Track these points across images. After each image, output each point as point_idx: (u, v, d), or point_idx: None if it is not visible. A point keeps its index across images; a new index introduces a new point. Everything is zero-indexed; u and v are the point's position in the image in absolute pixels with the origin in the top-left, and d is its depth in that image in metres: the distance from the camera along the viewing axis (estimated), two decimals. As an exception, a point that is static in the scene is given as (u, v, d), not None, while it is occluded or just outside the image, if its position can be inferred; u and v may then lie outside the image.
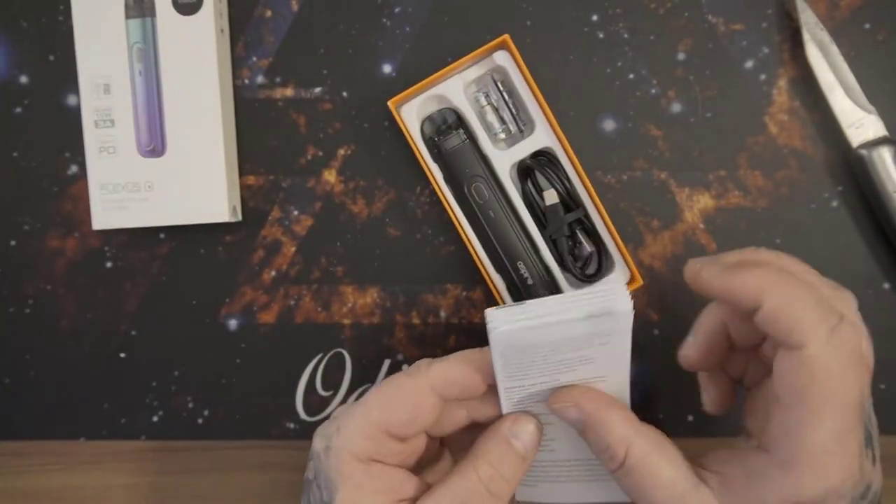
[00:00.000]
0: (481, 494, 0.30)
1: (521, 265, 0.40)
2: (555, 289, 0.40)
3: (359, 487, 0.29)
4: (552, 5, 0.43)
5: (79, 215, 0.44)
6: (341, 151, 0.44)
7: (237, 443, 0.44)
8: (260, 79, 0.44)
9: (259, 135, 0.44)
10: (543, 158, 0.41)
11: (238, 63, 0.44)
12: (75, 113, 0.43)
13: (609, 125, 0.43)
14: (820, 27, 0.40)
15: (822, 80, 0.41)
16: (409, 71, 0.43)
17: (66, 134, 0.44)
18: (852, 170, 0.41)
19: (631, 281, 0.40)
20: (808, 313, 0.28)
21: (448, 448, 0.35)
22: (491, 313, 0.28)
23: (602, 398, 0.30)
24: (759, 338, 0.32)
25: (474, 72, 0.41)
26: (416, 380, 0.31)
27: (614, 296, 0.27)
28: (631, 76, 0.43)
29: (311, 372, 0.44)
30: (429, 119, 0.41)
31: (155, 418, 0.44)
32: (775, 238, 0.42)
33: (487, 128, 0.41)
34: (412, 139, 0.41)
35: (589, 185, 0.40)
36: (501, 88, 0.41)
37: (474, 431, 0.33)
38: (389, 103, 0.40)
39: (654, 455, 0.29)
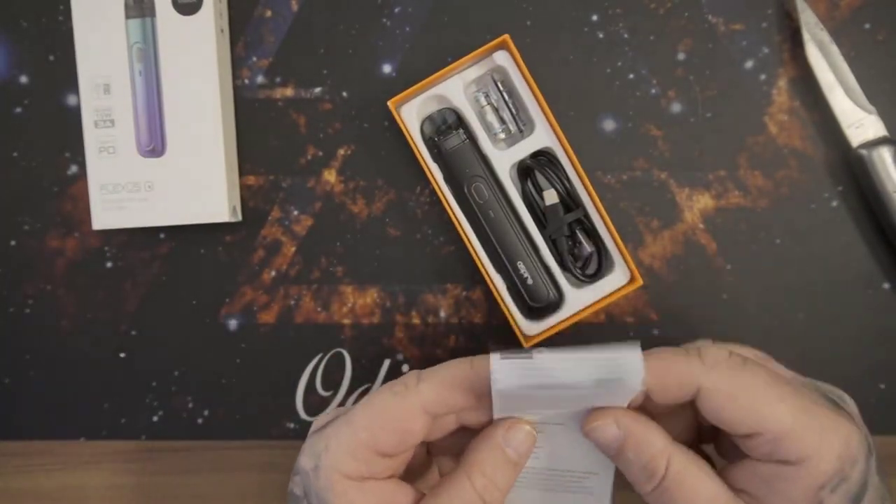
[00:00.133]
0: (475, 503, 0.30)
1: (521, 265, 0.40)
2: (555, 289, 0.40)
3: None
4: (552, 5, 0.43)
5: (79, 215, 0.44)
6: (341, 151, 0.44)
7: (237, 443, 0.44)
8: (260, 79, 0.44)
9: (259, 135, 0.44)
10: (543, 158, 0.41)
11: (238, 63, 0.44)
12: (75, 113, 0.43)
13: (609, 125, 0.43)
14: (820, 27, 0.40)
15: (822, 80, 0.41)
16: (409, 71, 0.43)
17: (66, 134, 0.44)
18: (852, 170, 0.41)
19: (632, 281, 0.40)
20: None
21: (430, 451, 0.35)
22: (497, 364, 0.27)
23: (638, 415, 0.30)
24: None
25: (474, 72, 0.41)
26: (406, 400, 0.30)
27: (629, 367, 0.27)
28: (631, 76, 0.43)
29: (311, 372, 0.44)
30: (429, 119, 0.41)
31: (155, 418, 0.44)
32: (775, 238, 0.42)
33: (487, 128, 0.41)
34: (412, 139, 0.41)
35: (589, 185, 0.40)
36: (501, 88, 0.41)
37: (460, 434, 0.32)
38: (389, 103, 0.40)
39: (693, 468, 0.29)
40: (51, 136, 0.44)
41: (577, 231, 0.41)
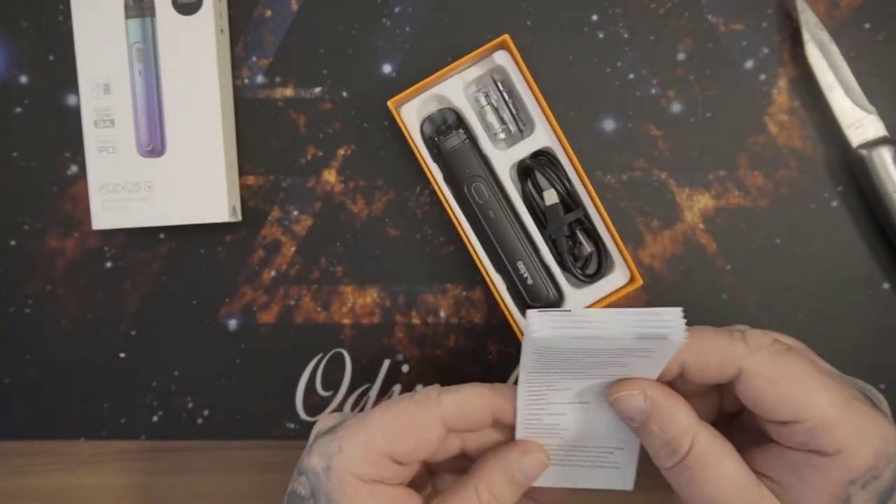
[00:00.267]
0: None
1: (521, 265, 0.40)
2: (555, 289, 0.40)
3: None
4: (552, 5, 0.43)
5: (79, 215, 0.44)
6: (341, 151, 0.44)
7: (237, 443, 0.44)
8: (260, 79, 0.44)
9: (259, 135, 0.44)
10: (543, 158, 0.41)
11: (238, 63, 0.44)
12: (75, 113, 0.43)
13: (609, 125, 0.43)
14: (820, 27, 0.40)
15: (822, 80, 0.41)
16: (409, 71, 0.43)
17: (66, 134, 0.44)
18: (852, 170, 0.41)
19: (632, 281, 0.40)
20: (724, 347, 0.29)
21: (428, 466, 0.35)
22: (533, 315, 0.27)
23: (666, 389, 0.30)
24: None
25: (474, 72, 0.41)
26: (428, 410, 0.30)
27: (673, 323, 0.27)
28: (631, 76, 0.43)
29: (310, 372, 0.44)
30: (429, 119, 0.41)
31: (155, 418, 0.44)
32: (775, 238, 0.42)
33: (487, 128, 0.41)
34: (412, 139, 0.41)
35: (589, 185, 0.40)
36: (501, 88, 0.41)
37: (458, 459, 0.33)
38: (389, 103, 0.40)
39: (716, 447, 0.29)
40: (51, 136, 0.44)
41: (577, 231, 0.41)
